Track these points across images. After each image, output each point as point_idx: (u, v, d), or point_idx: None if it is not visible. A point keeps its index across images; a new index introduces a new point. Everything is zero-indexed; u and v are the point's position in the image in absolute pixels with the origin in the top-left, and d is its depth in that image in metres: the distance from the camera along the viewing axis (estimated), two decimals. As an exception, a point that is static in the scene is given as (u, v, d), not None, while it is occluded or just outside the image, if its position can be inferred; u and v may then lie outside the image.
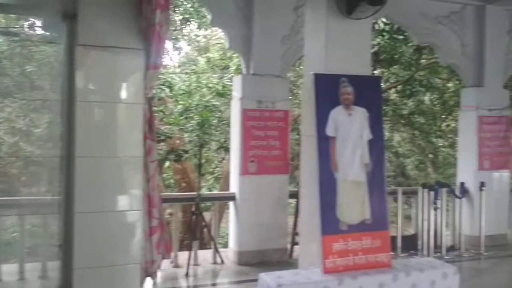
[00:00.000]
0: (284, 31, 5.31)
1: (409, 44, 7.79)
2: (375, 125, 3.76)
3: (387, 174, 13.81)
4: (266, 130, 5.33)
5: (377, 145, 3.76)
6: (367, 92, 3.77)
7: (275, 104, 5.33)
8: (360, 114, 3.75)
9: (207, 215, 7.75)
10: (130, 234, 3.03)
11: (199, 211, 5.03)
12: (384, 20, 7.00)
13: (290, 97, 9.06)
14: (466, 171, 6.15)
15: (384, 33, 7.64)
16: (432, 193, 5.50)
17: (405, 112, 10.99)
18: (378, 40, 7.76)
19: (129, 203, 3.04)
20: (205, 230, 5.44)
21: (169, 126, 7.74)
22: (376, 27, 7.50)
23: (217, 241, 5.71)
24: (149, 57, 3.00)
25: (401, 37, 7.76)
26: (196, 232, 5.06)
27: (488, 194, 5.88)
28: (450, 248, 5.77)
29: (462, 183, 5.98)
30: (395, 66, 9.21)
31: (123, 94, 3.03)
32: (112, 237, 3.01)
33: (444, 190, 5.71)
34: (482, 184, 5.80)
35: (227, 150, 7.61)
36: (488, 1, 5.93)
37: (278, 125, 5.41)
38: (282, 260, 5.28)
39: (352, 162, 3.70)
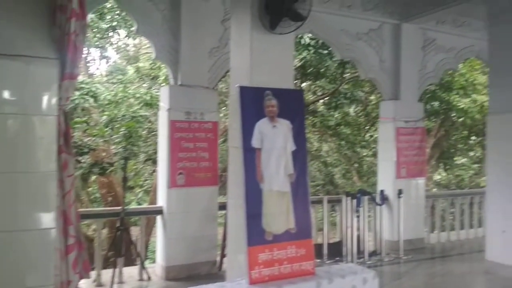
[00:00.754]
0: (213, 43, 5.33)
1: (334, 59, 8.14)
2: (298, 136, 3.87)
3: (317, 183, 14.33)
4: (195, 142, 5.28)
5: (300, 156, 3.87)
6: (290, 105, 3.88)
7: (204, 115, 5.30)
8: (284, 126, 3.85)
9: (135, 230, 7.51)
10: (43, 253, 2.84)
11: (124, 227, 4.85)
12: (309, 35, 7.28)
13: (224, 108, 9.12)
14: (385, 179, 6.51)
15: (310, 48, 7.94)
16: (354, 201, 5.75)
17: (332, 123, 11.45)
18: (304, 54, 8.02)
19: (42, 221, 2.86)
20: (132, 245, 5.25)
21: (94, 138, 7.41)
22: (302, 41, 7.78)
23: (145, 256, 5.53)
24: (65, 66, 2.86)
25: (325, 51, 8.10)
26: (121, 249, 4.86)
27: (405, 201, 6.27)
28: (372, 253, 6.06)
29: (382, 191, 6.32)
30: (321, 79, 9.58)
31: (36, 105, 2.86)
32: (24, 257, 2.81)
33: (366, 197, 6.00)
34: (400, 192, 6.17)
35: (155, 162, 7.44)
36: (403, 19, 6.37)
37: (207, 136, 5.39)
38: (211, 273, 5.23)
39: (277, 173, 3.77)
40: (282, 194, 3.75)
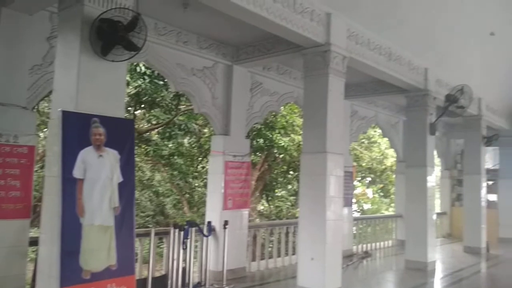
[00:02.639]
0: (35, 60, 4.84)
1: (169, 90, 8.23)
2: (127, 167, 3.76)
3: (147, 213, 13.95)
4: (4, 168, 4.63)
5: (127, 188, 3.75)
6: (119, 134, 3.76)
7: (18, 138, 4.71)
8: (111, 156, 3.70)
9: None
10: None
11: None
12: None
13: (46, 130, 8.24)
14: (213, 210, 6.73)
15: (146, 77, 7.88)
16: (182, 232, 5.77)
17: (165, 153, 11.42)
18: (139, 82, 7.92)
19: None
20: None
21: None
22: (138, 69, 7.68)
23: None
24: None
25: (161, 82, 8.14)
26: None
27: (230, 231, 6.56)
28: (197, 285, 6.12)
29: (209, 222, 6.51)
30: (156, 109, 9.55)
31: None
32: None
33: (194, 229, 6.09)
34: (225, 223, 6.44)
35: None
36: (235, 61, 6.85)
37: (21, 162, 4.77)
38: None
39: (100, 206, 3.57)
40: (105, 229, 3.56)
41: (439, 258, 9.09)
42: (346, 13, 5.87)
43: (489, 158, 14.83)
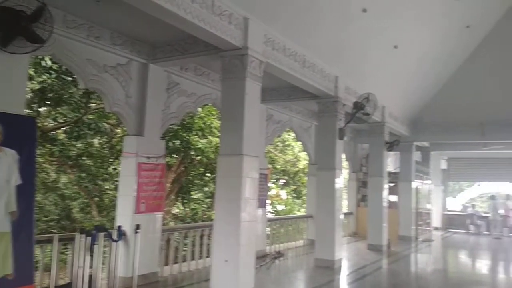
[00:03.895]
0: None
1: (79, 87, 7.76)
2: (27, 168, 3.47)
3: (51, 218, 12.98)
4: None
5: (27, 191, 3.46)
6: (19, 132, 3.46)
7: None
8: (9, 156, 3.38)
9: None
10: None
11: None
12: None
13: None
14: (124, 214, 6.45)
15: (52, 72, 7.35)
16: (89, 238, 5.46)
17: (73, 153, 10.75)
18: (45, 77, 7.36)
19: None
20: None
21: None
22: (43, 63, 7.13)
23: None
24: None
25: (70, 78, 7.65)
26: None
27: (143, 235, 6.35)
28: (106, 292, 5.83)
29: (119, 227, 6.23)
30: (63, 106, 8.94)
31: None
32: None
33: (102, 234, 5.79)
34: (137, 227, 6.22)
35: None
36: (150, 60, 6.65)
37: None
38: None
39: (-6, 211, 3.25)
40: (0, 236, 3.25)
41: (345, 256, 9.64)
42: (263, 19, 6.00)
43: (391, 162, 16.12)
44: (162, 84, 7.01)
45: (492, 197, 17.41)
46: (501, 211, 16.52)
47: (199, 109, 9.26)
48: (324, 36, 7.45)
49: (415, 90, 12.27)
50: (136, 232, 6.20)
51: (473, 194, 25.46)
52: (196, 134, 11.46)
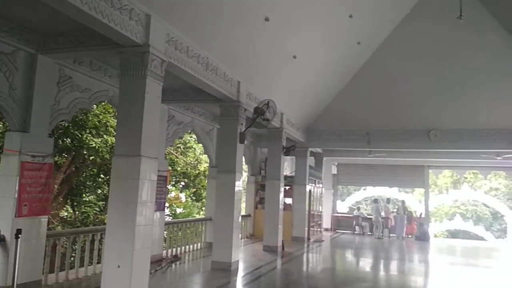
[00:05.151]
0: None
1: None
2: None
3: None
4: None
5: None
6: None
7: None
8: None
9: None
10: None
11: None
12: None
13: None
14: (3, 217, 5.82)
15: None
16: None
17: None
18: None
19: None
20: None
21: None
22: None
23: None
24: None
25: None
26: None
27: (25, 241, 5.78)
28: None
29: (-2, 232, 5.61)
30: None
31: None
32: None
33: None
34: (18, 232, 5.64)
35: None
36: (40, 50, 6.11)
37: None
38: None
39: None
40: None
41: (242, 258, 9.81)
42: (167, 18, 5.87)
43: (288, 166, 16.85)
44: (52, 77, 6.48)
45: (375, 201, 19.04)
46: (383, 214, 18.17)
47: (94, 106, 8.73)
48: (228, 41, 7.54)
49: (311, 99, 13.00)
50: (17, 238, 5.62)
51: (359, 198, 27.66)
52: (90, 133, 10.79)
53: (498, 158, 15.06)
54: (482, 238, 26.45)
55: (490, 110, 12.55)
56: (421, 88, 12.86)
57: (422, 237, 17.34)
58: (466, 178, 31.83)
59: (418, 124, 13.25)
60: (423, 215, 19.04)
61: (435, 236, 24.40)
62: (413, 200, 28.60)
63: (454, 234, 29.20)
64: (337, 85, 13.48)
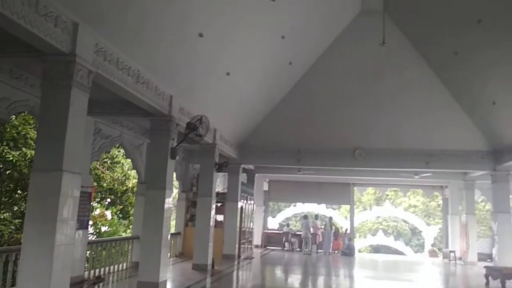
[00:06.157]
0: None
1: None
2: None
3: None
4: None
5: None
6: None
7: None
8: None
9: None
10: None
11: None
12: None
13: None
14: None
15: None
16: None
17: None
18: None
19: None
20: None
21: None
22: None
23: None
24: None
25: None
26: None
27: None
28: None
29: None
30: None
31: None
32: None
33: None
34: None
35: None
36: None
37: None
38: None
39: None
40: None
41: (170, 277, 9.52)
42: (97, 28, 5.66)
43: (220, 183, 16.78)
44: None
45: (305, 217, 19.52)
46: (312, 230, 18.63)
47: (13, 116, 8.13)
48: (161, 54, 7.42)
49: (244, 116, 13.14)
50: None
51: (289, 214, 28.18)
52: (8, 145, 10.02)
53: (416, 177, 16.14)
54: (402, 253, 28.02)
55: (409, 132, 13.47)
56: (348, 109, 13.52)
57: (348, 252, 18.00)
58: (388, 195, 33.73)
59: (344, 143, 13.86)
60: (348, 231, 19.81)
61: (360, 251, 25.44)
62: (340, 216, 29.71)
63: (376, 249, 30.67)
64: (270, 103, 13.77)
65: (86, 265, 9.30)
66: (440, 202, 22.93)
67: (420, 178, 16.38)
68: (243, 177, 16.04)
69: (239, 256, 14.58)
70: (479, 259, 16.24)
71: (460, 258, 16.83)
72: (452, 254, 16.61)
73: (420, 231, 28.44)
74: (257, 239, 19.10)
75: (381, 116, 13.47)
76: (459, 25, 10.17)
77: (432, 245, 21.91)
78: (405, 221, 32.61)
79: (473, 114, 13.04)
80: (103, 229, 17.38)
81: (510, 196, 14.32)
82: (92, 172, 14.61)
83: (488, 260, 16.26)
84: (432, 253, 21.11)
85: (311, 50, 12.84)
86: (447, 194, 18.67)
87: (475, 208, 17.76)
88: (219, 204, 14.01)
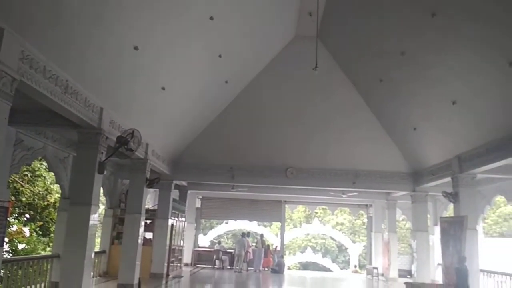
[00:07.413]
0: None
1: None
2: None
3: None
4: None
5: None
6: None
7: None
8: None
9: None
10: None
11: None
12: None
13: None
14: None
15: None
16: None
17: None
18: None
19: None
20: None
21: None
22: None
23: None
24: None
25: None
26: None
27: None
28: None
29: None
30: None
31: None
32: None
33: None
34: None
35: None
36: None
37: None
38: None
39: None
40: None
41: (93, 298, 9.01)
42: (23, 34, 5.35)
43: (150, 199, 16.32)
44: None
45: (243, 235, 19.40)
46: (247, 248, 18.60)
47: None
48: (92, 65, 7.17)
49: (178, 132, 12.98)
50: None
51: (221, 231, 27.96)
52: None
53: (343, 195, 16.82)
54: (329, 269, 28.81)
55: (338, 153, 14.09)
56: (281, 128, 13.87)
57: (278, 269, 18.20)
58: (317, 213, 34.69)
59: (277, 161, 14.16)
60: (278, 248, 20.05)
61: (289, 268, 25.82)
62: (271, 233, 30.01)
63: (305, 266, 31.28)
64: (205, 119, 13.75)
65: (0, 285, 8.54)
66: (365, 220, 24.01)
67: (347, 197, 17.09)
68: (175, 194, 15.74)
69: (167, 275, 14.18)
70: (400, 275, 17.16)
71: (382, 274, 17.64)
72: (375, 271, 17.38)
73: (346, 248, 29.46)
74: (187, 257, 18.72)
75: (312, 136, 13.96)
76: (384, 55, 10.89)
77: (355, 266, 22.90)
78: (332, 239, 33.64)
79: (396, 138, 13.94)
80: (20, 246, 16.10)
81: (428, 216, 15.38)
82: (10, 186, 13.57)
83: (408, 276, 17.22)
84: (355, 271, 22.01)
85: (247, 70, 13.07)
86: (371, 212, 19.60)
87: (397, 226, 18.82)
88: (148, 221, 13.59)
